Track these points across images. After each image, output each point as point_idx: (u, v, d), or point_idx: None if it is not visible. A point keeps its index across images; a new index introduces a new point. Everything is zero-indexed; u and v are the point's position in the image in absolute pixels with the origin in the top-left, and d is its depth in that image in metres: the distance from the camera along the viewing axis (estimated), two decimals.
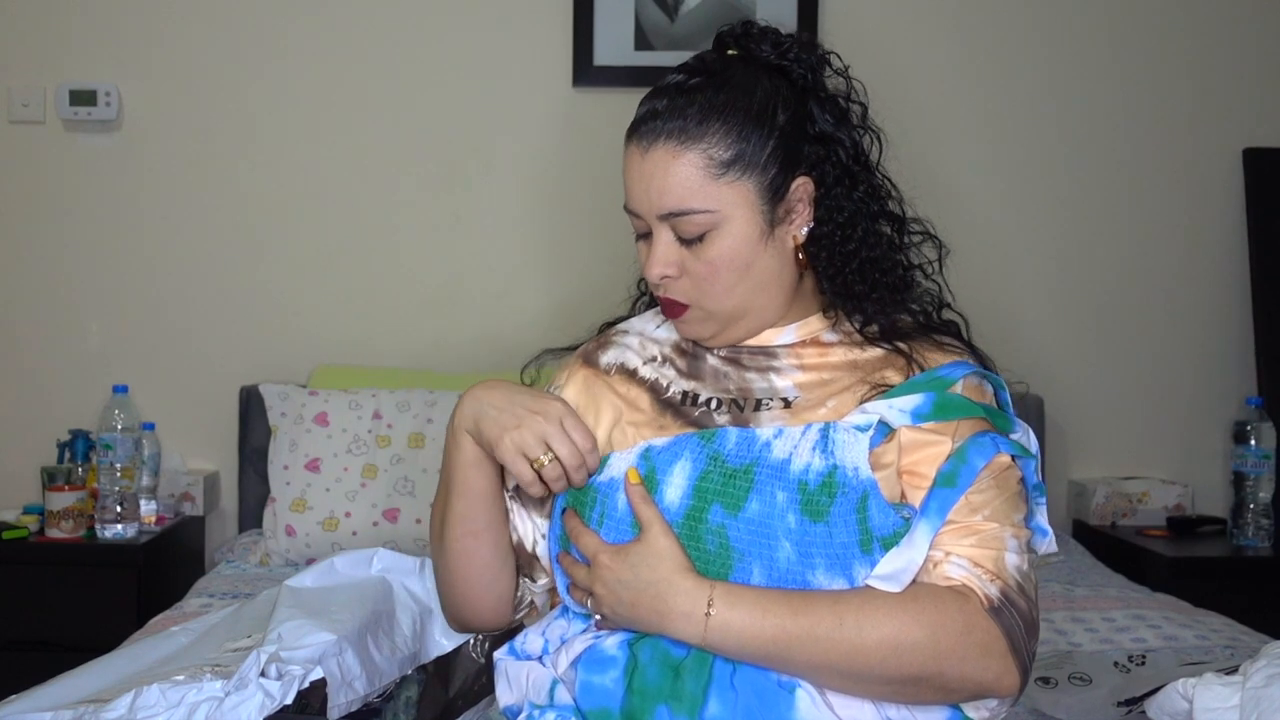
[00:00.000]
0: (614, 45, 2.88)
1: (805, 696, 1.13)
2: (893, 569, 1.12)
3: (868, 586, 1.13)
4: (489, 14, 2.91)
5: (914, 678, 1.11)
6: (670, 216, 1.22)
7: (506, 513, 1.32)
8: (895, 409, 1.18)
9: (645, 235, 1.27)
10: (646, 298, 1.42)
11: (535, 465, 1.20)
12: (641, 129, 1.24)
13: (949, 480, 1.15)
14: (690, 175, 1.21)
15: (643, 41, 2.88)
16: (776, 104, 1.24)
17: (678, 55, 1.34)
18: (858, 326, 1.28)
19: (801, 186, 1.25)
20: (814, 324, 1.29)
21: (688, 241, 1.23)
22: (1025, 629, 1.13)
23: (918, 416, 1.18)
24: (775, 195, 1.24)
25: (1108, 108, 2.96)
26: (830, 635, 1.11)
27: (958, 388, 1.21)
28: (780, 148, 1.23)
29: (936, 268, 1.33)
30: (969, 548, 1.14)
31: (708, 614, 1.12)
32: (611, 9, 2.88)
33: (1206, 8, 2.96)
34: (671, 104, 1.22)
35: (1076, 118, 2.96)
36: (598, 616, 1.21)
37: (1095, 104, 2.96)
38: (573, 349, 1.40)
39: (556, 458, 1.20)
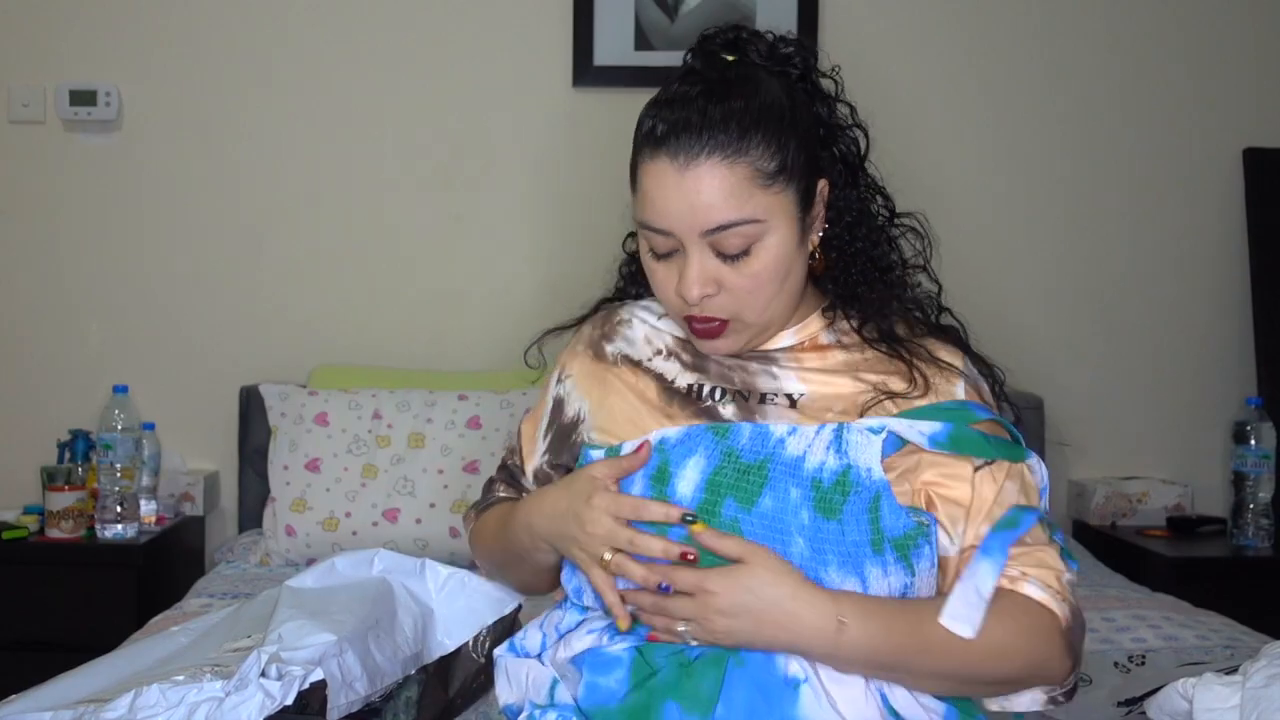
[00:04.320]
0: (614, 45, 2.88)
1: (809, 692, 1.13)
2: (963, 609, 1.13)
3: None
4: (489, 14, 2.91)
5: (1007, 680, 1.16)
6: (716, 231, 1.18)
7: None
8: (915, 430, 1.19)
9: (667, 255, 1.23)
10: (633, 290, 1.42)
11: (603, 565, 1.19)
12: (674, 143, 1.18)
13: (1012, 523, 1.17)
14: (740, 188, 1.17)
15: (643, 41, 2.88)
16: (799, 109, 1.24)
17: (678, 55, 1.32)
18: (855, 326, 1.29)
19: (823, 189, 1.26)
20: (812, 325, 1.30)
21: (728, 257, 1.20)
22: (1081, 636, 1.20)
23: (934, 443, 1.19)
24: (807, 201, 1.23)
25: (1108, 108, 2.96)
26: (943, 647, 1.13)
27: (980, 426, 1.22)
28: (808, 153, 1.23)
29: (925, 261, 1.33)
30: (1035, 568, 1.17)
31: (840, 625, 1.12)
32: (611, 9, 2.88)
33: (1206, 8, 2.96)
34: (706, 116, 1.18)
35: (1076, 118, 2.96)
36: (693, 642, 1.17)
37: (1095, 104, 2.96)
38: (575, 323, 1.41)
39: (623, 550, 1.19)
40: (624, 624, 1.18)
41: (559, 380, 1.38)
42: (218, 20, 2.89)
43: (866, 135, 1.31)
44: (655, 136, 1.20)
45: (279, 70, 2.91)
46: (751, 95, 1.20)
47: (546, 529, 1.26)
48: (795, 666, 1.14)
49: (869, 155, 1.32)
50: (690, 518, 1.17)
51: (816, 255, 1.28)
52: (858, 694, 1.14)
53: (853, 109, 1.31)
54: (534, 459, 1.39)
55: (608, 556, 1.18)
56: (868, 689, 1.15)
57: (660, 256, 1.24)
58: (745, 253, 1.20)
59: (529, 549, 1.31)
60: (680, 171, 1.18)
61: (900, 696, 1.16)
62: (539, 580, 1.39)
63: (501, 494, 1.44)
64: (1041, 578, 1.17)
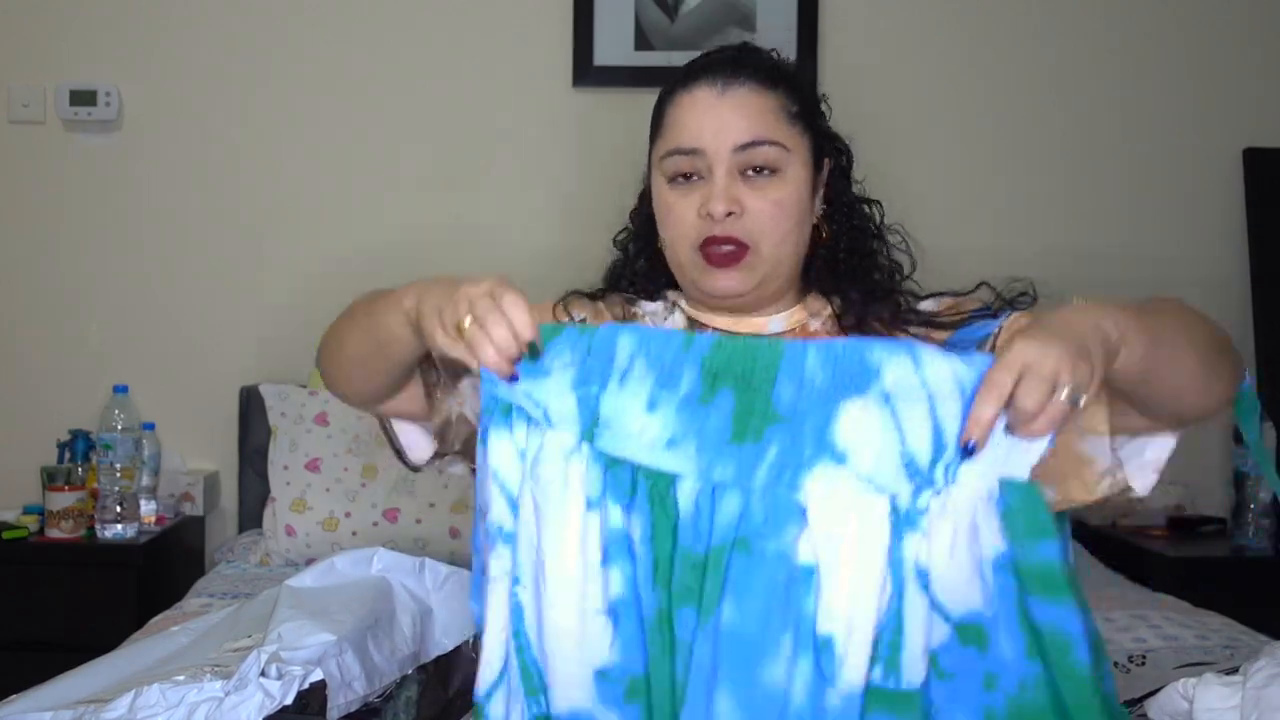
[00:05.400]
0: (614, 45, 2.88)
1: (822, 581, 1.02)
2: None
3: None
4: (489, 14, 2.91)
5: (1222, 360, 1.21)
6: (748, 146, 1.28)
7: (408, 383, 1.32)
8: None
9: (686, 177, 1.30)
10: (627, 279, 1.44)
11: (458, 328, 1.14)
12: (715, 72, 1.30)
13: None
14: (772, 114, 1.30)
15: (643, 41, 2.88)
16: (812, 90, 1.38)
17: (678, 55, 1.39)
18: (836, 313, 1.36)
19: (829, 167, 1.37)
20: (798, 313, 1.36)
21: (756, 172, 1.29)
22: None
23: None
24: (817, 163, 1.35)
25: (1107, 108, 2.96)
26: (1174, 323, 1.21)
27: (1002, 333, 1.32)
28: (819, 127, 1.36)
29: (908, 272, 1.42)
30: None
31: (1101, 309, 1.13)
32: (611, 9, 2.87)
33: (1206, 8, 2.96)
34: (744, 58, 1.32)
35: (1076, 118, 2.96)
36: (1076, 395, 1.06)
37: (1095, 104, 2.96)
38: (599, 292, 1.46)
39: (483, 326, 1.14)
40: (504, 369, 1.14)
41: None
42: (218, 20, 2.89)
43: (849, 154, 1.42)
44: (697, 68, 1.33)
45: (279, 70, 2.91)
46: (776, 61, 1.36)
47: (418, 292, 1.24)
48: (807, 552, 1.04)
49: (852, 172, 1.42)
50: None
51: (825, 234, 1.36)
52: (871, 586, 1.03)
53: (838, 136, 1.42)
54: None
55: (468, 322, 1.14)
56: (885, 578, 1.03)
57: (679, 182, 1.31)
58: (772, 172, 1.29)
59: (385, 323, 1.30)
60: (719, 93, 1.30)
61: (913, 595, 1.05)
62: (374, 376, 1.34)
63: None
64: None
